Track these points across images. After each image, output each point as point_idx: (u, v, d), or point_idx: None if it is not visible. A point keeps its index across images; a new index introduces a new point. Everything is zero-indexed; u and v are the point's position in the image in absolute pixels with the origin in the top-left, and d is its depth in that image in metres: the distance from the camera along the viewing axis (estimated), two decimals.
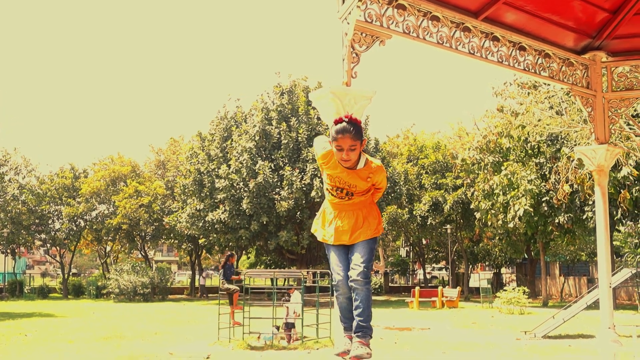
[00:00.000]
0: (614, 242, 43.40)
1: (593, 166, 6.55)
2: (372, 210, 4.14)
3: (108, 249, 56.82)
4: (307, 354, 16.60)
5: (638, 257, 36.40)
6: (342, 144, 3.87)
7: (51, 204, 50.59)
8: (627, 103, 6.42)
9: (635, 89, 6.44)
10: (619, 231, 38.85)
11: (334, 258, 4.13)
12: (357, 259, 4.05)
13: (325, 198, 4.22)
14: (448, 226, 44.76)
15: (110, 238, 52.61)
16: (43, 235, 52.02)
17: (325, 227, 4.14)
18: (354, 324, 4.18)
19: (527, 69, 5.92)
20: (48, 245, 54.19)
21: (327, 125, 4.64)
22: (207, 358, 15.90)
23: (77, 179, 51.52)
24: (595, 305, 18.47)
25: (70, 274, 56.83)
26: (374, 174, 4.02)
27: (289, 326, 18.81)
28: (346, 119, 3.89)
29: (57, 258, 55.66)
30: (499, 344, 18.90)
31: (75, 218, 50.21)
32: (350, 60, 4.51)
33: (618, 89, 6.48)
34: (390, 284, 59.93)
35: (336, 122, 3.91)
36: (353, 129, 3.87)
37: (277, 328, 18.70)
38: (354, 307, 4.13)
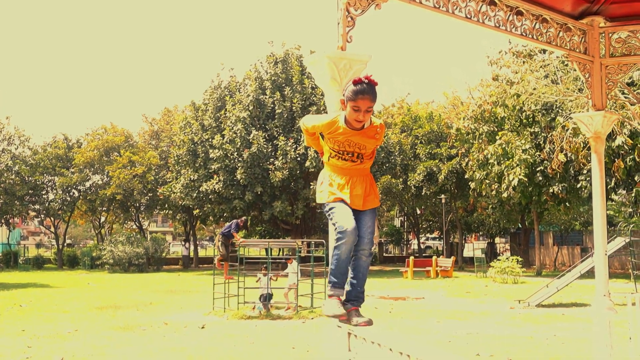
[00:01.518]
0: (608, 212, 43.53)
1: (590, 133, 6.48)
2: (373, 180, 4.15)
3: (102, 219, 56.77)
4: (302, 323, 16.66)
5: (632, 226, 36.56)
6: (360, 105, 3.84)
7: (45, 175, 50.36)
8: (625, 69, 6.33)
9: (633, 54, 6.35)
10: (613, 200, 38.89)
11: (342, 210, 3.94)
12: (368, 230, 4.03)
13: (328, 168, 4.12)
14: (442, 196, 44.78)
15: (104, 209, 52.55)
16: (37, 206, 51.86)
17: (335, 188, 4.01)
18: (351, 291, 4.09)
19: (524, 34, 5.82)
20: (42, 216, 54.09)
21: (322, 94, 4.55)
22: (202, 327, 15.92)
23: (71, 149, 51.25)
24: (588, 274, 18.53)
25: (65, 244, 56.82)
26: (380, 131, 4.03)
27: (265, 298, 18.76)
28: (366, 80, 3.85)
29: (52, 229, 55.64)
30: (493, 312, 19.00)
31: (69, 188, 50.06)
32: (345, 24, 4.41)
33: (616, 55, 6.38)
34: (384, 254, 60.22)
35: (355, 83, 3.86)
36: (372, 90, 3.86)
37: (261, 298, 18.71)
38: (354, 275, 4.07)
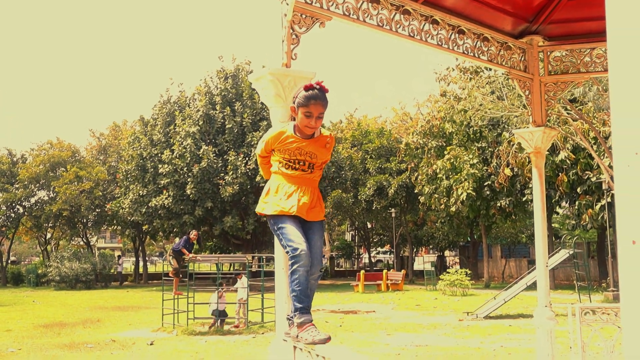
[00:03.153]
0: (553, 224, 44.50)
1: (530, 148, 6.67)
2: (320, 194, 4.10)
3: (48, 236, 55.55)
4: (252, 338, 16.60)
5: (575, 238, 37.41)
6: (313, 110, 3.83)
7: None
8: (563, 86, 6.54)
9: (571, 72, 6.57)
10: (557, 213, 39.77)
11: (292, 229, 3.81)
12: (318, 252, 3.93)
13: (275, 178, 4.01)
14: (392, 210, 45.17)
15: (50, 225, 51.46)
16: None
17: (282, 200, 3.88)
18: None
19: (466, 52, 5.97)
20: None
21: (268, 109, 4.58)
22: (151, 344, 15.74)
23: (15, 164, 50.06)
24: (534, 286, 18.91)
25: (9, 262, 55.43)
26: (330, 142, 4.02)
27: (220, 314, 18.66)
28: (317, 86, 3.86)
29: None
30: (442, 324, 19.22)
31: (13, 204, 48.88)
32: (289, 42, 4.48)
33: (554, 73, 6.59)
34: (335, 268, 60.28)
35: (306, 88, 3.86)
36: (324, 97, 3.87)
37: (215, 314, 18.58)
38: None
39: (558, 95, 6.58)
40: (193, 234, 19.37)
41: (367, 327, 18.83)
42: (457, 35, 5.88)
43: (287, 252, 3.83)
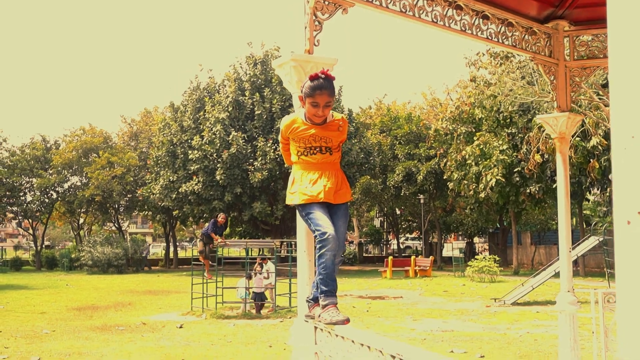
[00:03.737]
0: (584, 211, 44.05)
1: (555, 133, 6.66)
2: (344, 175, 4.13)
3: (81, 221, 56.41)
4: (280, 322, 16.77)
5: (606, 225, 36.99)
6: (319, 100, 3.85)
7: (22, 176, 49.95)
8: (589, 71, 6.51)
9: (596, 57, 6.54)
10: (588, 200, 39.37)
11: (320, 214, 3.89)
12: (342, 237, 3.99)
13: (298, 167, 4.08)
14: (421, 196, 45.06)
15: (83, 210, 52.26)
16: (15, 208, 51.45)
17: (307, 188, 3.95)
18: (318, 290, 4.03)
19: (489, 37, 5.97)
20: (20, 217, 53.69)
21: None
22: (181, 327, 15.99)
23: (49, 150, 50.89)
24: None
25: (43, 246, 56.43)
26: (343, 125, 4.04)
27: (258, 297, 18.92)
28: (322, 75, 3.86)
29: (30, 230, 55.22)
30: (469, 310, 19.22)
31: (47, 190, 49.73)
32: (312, 28, 4.54)
33: (580, 58, 6.57)
34: (364, 254, 60.36)
35: (312, 78, 3.87)
36: (330, 85, 3.88)
37: (248, 293, 18.79)
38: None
39: (584, 81, 6.56)
40: (221, 217, 19.42)
41: (394, 313, 18.90)
42: (480, 20, 5.88)
43: (316, 237, 3.89)
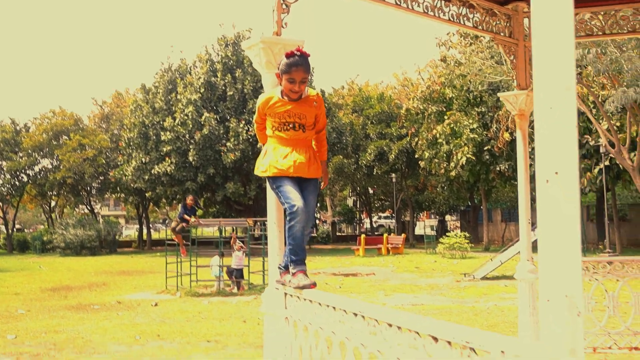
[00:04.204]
0: None
1: (515, 111, 6.96)
2: (315, 153, 4.33)
3: (53, 203, 56.08)
4: (254, 299, 17.04)
5: None
6: (295, 76, 4.02)
7: None
8: None
9: None
10: None
11: (290, 188, 4.11)
12: (311, 211, 4.22)
13: (271, 141, 4.27)
14: (393, 175, 45.48)
15: (54, 193, 51.93)
16: None
17: (278, 162, 4.15)
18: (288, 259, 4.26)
19: (451, 19, 6.22)
20: None
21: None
22: (155, 305, 16.19)
23: (18, 133, 50.36)
24: (533, 249, 19.26)
25: (14, 229, 56.03)
26: (318, 100, 4.24)
27: (237, 274, 19.17)
28: (298, 53, 4.04)
29: (0, 214, 54.80)
30: (439, 285, 19.66)
31: (18, 173, 49.31)
32: (279, 11, 4.73)
33: None
34: (337, 233, 60.80)
35: (287, 56, 4.04)
36: (305, 62, 4.07)
37: (233, 274, 18.98)
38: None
39: None
40: (189, 199, 19.35)
41: (366, 288, 19.28)
42: (442, 2, 6.12)
43: (286, 209, 4.10)
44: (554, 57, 1.85)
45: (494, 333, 2.22)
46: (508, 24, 6.82)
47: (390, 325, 2.84)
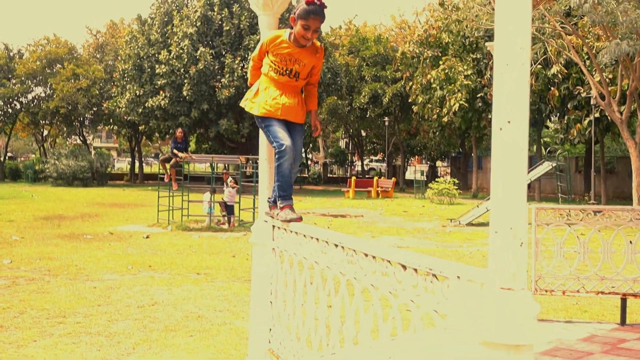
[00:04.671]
0: (544, 139, 45.13)
1: None
2: (303, 100, 4.57)
3: (45, 133, 56.08)
4: (243, 235, 17.43)
5: (563, 152, 38.07)
6: (311, 24, 4.17)
7: None
8: (535, 3, 6.98)
9: None
10: (548, 127, 40.33)
11: (278, 128, 4.32)
12: (299, 150, 4.50)
13: (264, 80, 4.46)
14: (386, 118, 45.62)
15: (47, 122, 51.91)
16: None
17: (268, 102, 4.35)
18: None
19: None
20: None
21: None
22: (147, 237, 16.57)
23: (12, 59, 50.00)
24: None
25: (7, 157, 56.14)
26: (320, 51, 4.46)
27: (228, 210, 19.55)
28: (318, 2, 4.16)
29: None
30: (425, 230, 20.11)
31: (11, 100, 49.14)
32: None
33: None
34: (329, 175, 61.22)
35: (308, 3, 4.15)
36: (323, 12, 4.22)
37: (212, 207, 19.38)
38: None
39: (535, 8, 7.02)
40: (178, 132, 19.35)
41: (353, 230, 19.71)
42: None
43: (274, 147, 4.36)
44: (512, 20, 2.10)
45: (452, 262, 2.52)
46: None
47: (366, 255, 3.13)
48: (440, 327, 2.46)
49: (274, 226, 4.62)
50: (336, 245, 3.51)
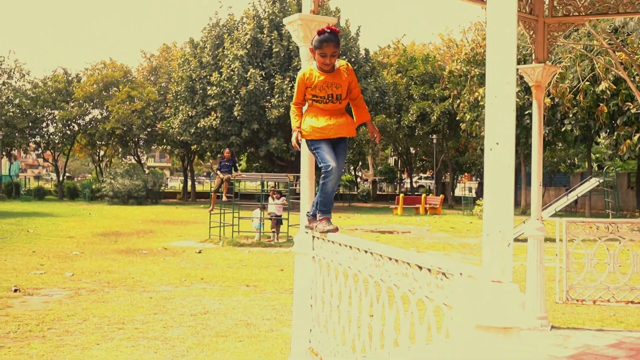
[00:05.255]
0: (595, 155, 44.71)
1: (532, 82, 7.54)
2: (349, 116, 5.08)
3: (101, 153, 57.83)
4: (291, 250, 17.94)
5: (617, 168, 37.68)
6: (326, 51, 4.67)
7: (45, 108, 51.13)
8: (564, 27, 7.35)
9: (572, 15, 7.35)
10: (598, 143, 40.00)
11: (327, 150, 4.83)
12: (341, 164, 4.97)
13: (311, 111, 4.95)
14: (434, 136, 45.84)
15: (103, 142, 53.54)
16: (38, 139, 52.87)
17: (319, 125, 4.85)
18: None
19: None
20: (42, 148, 55.14)
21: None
22: (199, 252, 17.23)
23: (70, 83, 51.93)
24: (564, 213, 19.72)
25: (65, 177, 58.00)
26: (348, 68, 4.96)
27: (278, 221, 20.21)
28: (328, 30, 4.66)
29: (51, 161, 56.77)
30: (471, 245, 20.33)
31: (69, 122, 50.95)
32: None
33: (557, 15, 7.39)
34: (378, 192, 61.50)
35: (319, 33, 4.67)
36: (335, 37, 4.73)
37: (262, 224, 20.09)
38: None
39: (559, 35, 7.40)
40: (225, 152, 19.88)
41: (399, 245, 20.02)
42: None
43: (322, 168, 4.87)
44: (499, 57, 2.55)
45: (459, 262, 2.95)
46: (529, 2, 7.38)
47: (390, 258, 3.59)
48: (448, 317, 2.90)
49: (313, 237, 5.10)
50: (366, 252, 3.97)
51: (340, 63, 4.95)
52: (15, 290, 10.63)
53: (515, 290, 2.53)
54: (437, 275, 3.04)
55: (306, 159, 5.40)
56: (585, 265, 7.40)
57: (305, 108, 5.10)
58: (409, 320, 3.37)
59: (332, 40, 4.72)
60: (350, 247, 4.27)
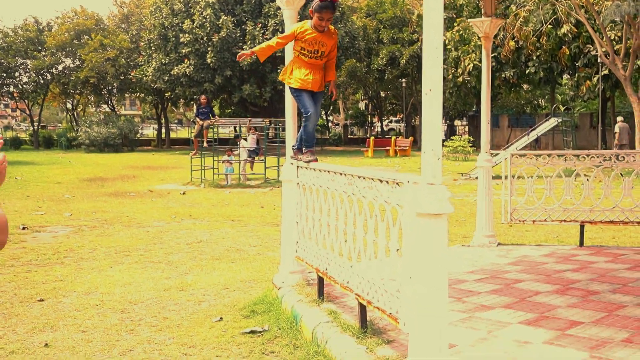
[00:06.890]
0: (558, 96, 46.19)
1: (481, 33, 8.69)
2: (323, 73, 6.24)
3: (75, 102, 58.08)
4: (270, 190, 19.16)
5: (581, 108, 39.16)
6: (324, 16, 5.78)
7: (17, 57, 51.16)
8: None
9: None
10: (560, 84, 41.41)
11: (307, 98, 6.01)
12: (318, 110, 6.23)
13: (296, 61, 6.06)
14: (404, 80, 46.87)
15: (77, 91, 53.82)
16: (11, 88, 52.98)
17: (302, 77, 6.00)
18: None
19: None
20: (16, 98, 55.28)
21: None
22: (183, 194, 18.38)
23: (42, 32, 51.89)
24: (528, 150, 21.05)
25: (40, 126, 58.31)
26: (335, 32, 6.14)
27: (253, 153, 21.52)
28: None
29: (27, 111, 56.97)
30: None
31: (42, 71, 51.08)
32: None
33: None
34: (349, 136, 62.67)
35: (321, 0, 5.79)
36: (333, 7, 5.87)
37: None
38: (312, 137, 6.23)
39: None
40: (202, 98, 20.63)
41: None
42: None
43: (303, 112, 6.12)
44: (430, 26, 3.70)
45: (407, 173, 4.15)
46: None
47: (359, 177, 4.78)
48: (400, 213, 4.12)
49: (298, 167, 6.28)
50: (341, 174, 5.17)
51: (330, 27, 6.09)
52: (24, 228, 11.73)
53: (443, 190, 3.74)
54: (392, 185, 4.24)
55: (290, 103, 6.54)
56: (526, 191, 8.70)
57: (288, 59, 6.25)
58: (374, 221, 4.58)
59: (330, 8, 5.88)
60: (328, 171, 5.46)
